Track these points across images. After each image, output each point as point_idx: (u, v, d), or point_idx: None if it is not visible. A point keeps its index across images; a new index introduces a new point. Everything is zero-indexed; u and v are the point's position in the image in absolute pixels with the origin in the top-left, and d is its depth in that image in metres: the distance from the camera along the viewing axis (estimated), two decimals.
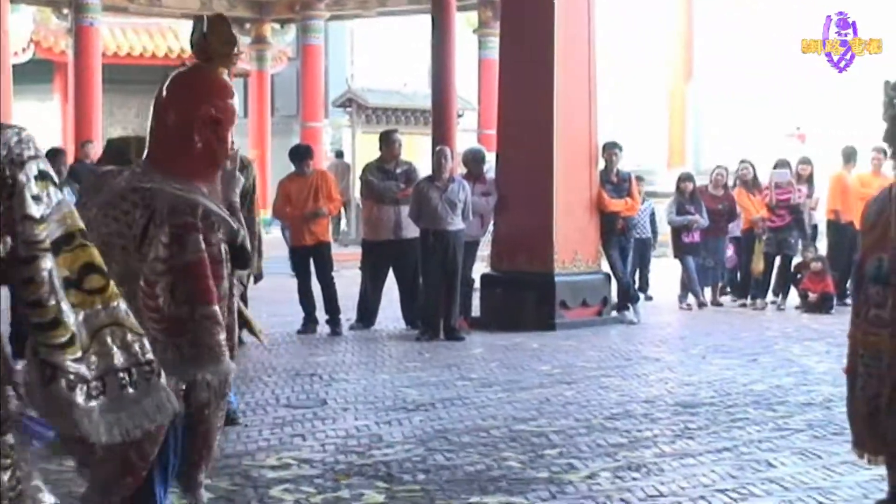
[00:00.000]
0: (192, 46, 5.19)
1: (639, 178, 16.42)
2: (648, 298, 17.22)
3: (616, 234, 15.18)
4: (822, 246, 17.52)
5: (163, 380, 3.48)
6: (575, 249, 14.61)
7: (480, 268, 15.45)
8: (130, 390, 3.36)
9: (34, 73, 28.40)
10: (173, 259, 4.83)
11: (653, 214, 17.48)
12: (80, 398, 3.23)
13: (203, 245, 4.88)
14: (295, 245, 14.39)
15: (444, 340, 13.39)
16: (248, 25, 28.39)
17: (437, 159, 13.95)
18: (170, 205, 4.89)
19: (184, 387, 4.98)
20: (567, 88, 14.56)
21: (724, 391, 10.20)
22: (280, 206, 14.26)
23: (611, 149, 15.35)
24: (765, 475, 7.26)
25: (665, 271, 18.65)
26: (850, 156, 17.15)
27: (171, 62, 28.36)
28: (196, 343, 4.82)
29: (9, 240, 3.19)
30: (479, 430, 8.60)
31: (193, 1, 26.89)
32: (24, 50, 28.22)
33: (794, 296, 16.65)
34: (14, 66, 25.54)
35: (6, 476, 3.33)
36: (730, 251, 17.60)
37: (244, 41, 28.35)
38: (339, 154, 28.91)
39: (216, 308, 4.86)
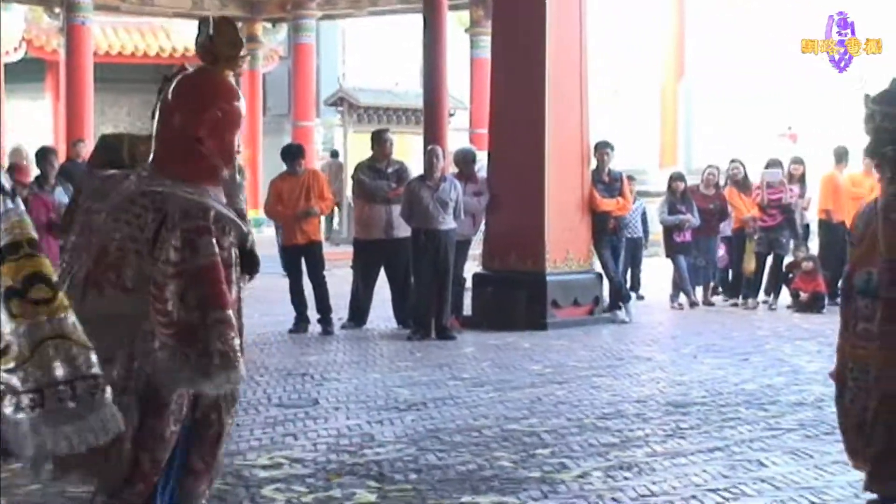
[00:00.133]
0: (197, 49, 5.15)
1: (630, 178, 16.43)
2: (640, 298, 17.23)
3: (608, 233, 15.19)
4: (814, 245, 17.55)
5: (108, 395, 3.41)
6: (566, 249, 14.61)
7: (472, 267, 15.44)
8: (71, 404, 3.28)
9: (26, 71, 28.38)
10: (185, 263, 4.80)
11: (644, 214, 17.49)
12: (7, 409, 3.15)
13: (216, 248, 4.86)
14: (286, 244, 14.39)
15: (435, 340, 13.39)
16: (239, 24, 28.35)
17: (429, 158, 13.96)
18: (182, 209, 4.87)
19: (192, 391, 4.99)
20: (559, 88, 14.57)
21: (716, 391, 10.21)
22: (272, 205, 14.25)
23: (602, 148, 15.36)
24: (756, 475, 7.27)
25: (656, 271, 18.66)
26: (841, 156, 17.16)
27: (163, 61, 28.39)
28: (207, 352, 4.76)
29: None
30: (471, 429, 8.60)
31: (185, 0, 26.86)
32: (15, 49, 28.19)
33: (785, 295, 16.66)
34: (6, 65, 25.56)
35: None
36: (721, 251, 17.61)
37: None
38: (335, 154, 28.90)
39: (230, 312, 4.81)
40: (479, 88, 23.93)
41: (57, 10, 24.92)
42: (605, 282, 15.13)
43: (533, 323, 14.07)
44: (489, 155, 15.27)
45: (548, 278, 14.33)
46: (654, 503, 6.65)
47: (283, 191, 13.96)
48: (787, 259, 16.85)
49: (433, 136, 18.84)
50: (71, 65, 23.91)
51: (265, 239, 18.88)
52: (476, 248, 15.57)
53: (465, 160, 15.01)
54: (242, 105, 5.14)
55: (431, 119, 19.89)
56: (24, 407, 3.16)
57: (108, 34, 28.76)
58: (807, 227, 17.69)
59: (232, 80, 5.19)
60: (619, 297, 15.25)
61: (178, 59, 27.61)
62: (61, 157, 17.09)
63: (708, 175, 17.51)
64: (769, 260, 16.76)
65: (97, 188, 5.15)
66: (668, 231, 16.94)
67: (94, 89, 24.15)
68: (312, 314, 14.05)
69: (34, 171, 13.28)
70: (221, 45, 5.08)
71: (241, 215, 5.21)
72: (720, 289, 17.83)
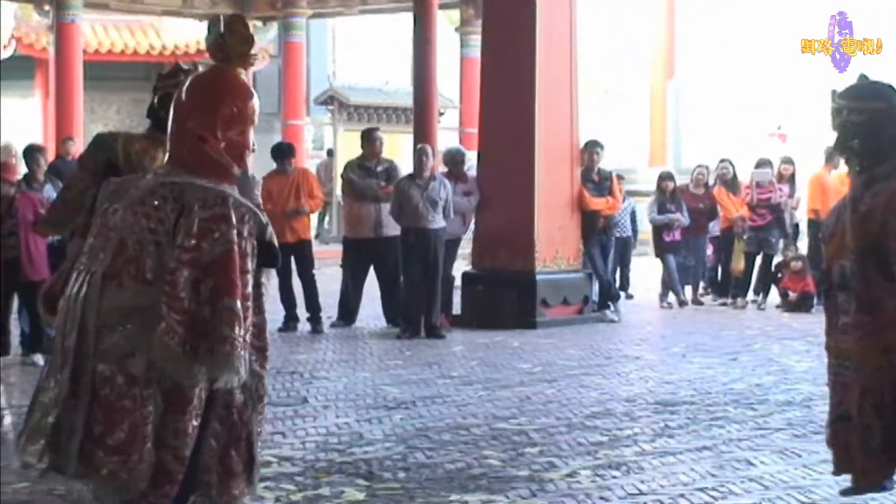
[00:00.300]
0: (209, 48, 5.17)
1: (620, 177, 16.45)
2: (629, 297, 17.25)
3: (597, 232, 15.20)
4: (803, 245, 17.57)
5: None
6: (556, 248, 14.63)
7: (461, 266, 15.45)
8: None
9: (15, 69, 28.27)
10: (200, 252, 4.82)
11: (634, 213, 17.50)
12: None
13: (234, 236, 4.86)
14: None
15: (424, 338, 13.39)
16: None
17: (419, 157, 13.96)
18: (200, 197, 4.89)
19: (213, 387, 4.98)
20: (548, 87, 14.58)
21: (705, 390, 10.22)
22: (261, 203, 14.21)
23: (592, 147, 15.36)
24: (744, 474, 7.28)
25: (646, 270, 18.68)
26: (830, 156, 17.15)
27: (153, 59, 28.33)
28: (215, 341, 4.79)
29: None
30: (460, 428, 8.60)
31: None
32: (4, 47, 28.09)
33: (774, 295, 16.68)
34: None
35: None
36: (708, 250, 17.64)
37: None
38: (331, 153, 28.85)
39: (238, 303, 4.83)
40: (468, 87, 23.89)
41: (46, 7, 24.82)
42: (595, 281, 15.14)
43: (522, 322, 14.08)
44: (479, 154, 15.28)
45: (537, 277, 14.34)
46: (643, 502, 6.66)
47: (272, 189, 13.93)
48: (777, 259, 16.88)
49: (423, 134, 18.86)
50: (60, 62, 23.83)
51: None
52: (466, 247, 15.57)
53: (454, 160, 15.00)
54: (256, 103, 5.16)
55: (421, 118, 19.91)
56: None
57: (97, 32, 28.66)
58: (796, 226, 17.71)
59: (245, 78, 5.21)
60: (609, 296, 15.26)
61: (168, 57, 27.60)
62: (50, 155, 17.06)
63: (697, 174, 17.55)
64: (758, 259, 16.79)
65: (114, 190, 5.16)
66: (658, 230, 16.95)
67: (84, 87, 24.07)
68: (302, 312, 14.04)
69: (23, 169, 13.24)
70: (233, 43, 5.09)
71: (259, 209, 5.22)
72: (709, 289, 17.85)
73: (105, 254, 4.95)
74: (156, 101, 7.15)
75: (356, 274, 14.41)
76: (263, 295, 5.22)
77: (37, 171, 12.48)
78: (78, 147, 19.25)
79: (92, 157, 7.25)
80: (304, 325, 14.01)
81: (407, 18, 22.77)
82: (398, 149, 22.62)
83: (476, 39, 20.60)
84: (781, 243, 16.80)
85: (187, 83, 5.20)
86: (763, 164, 17.42)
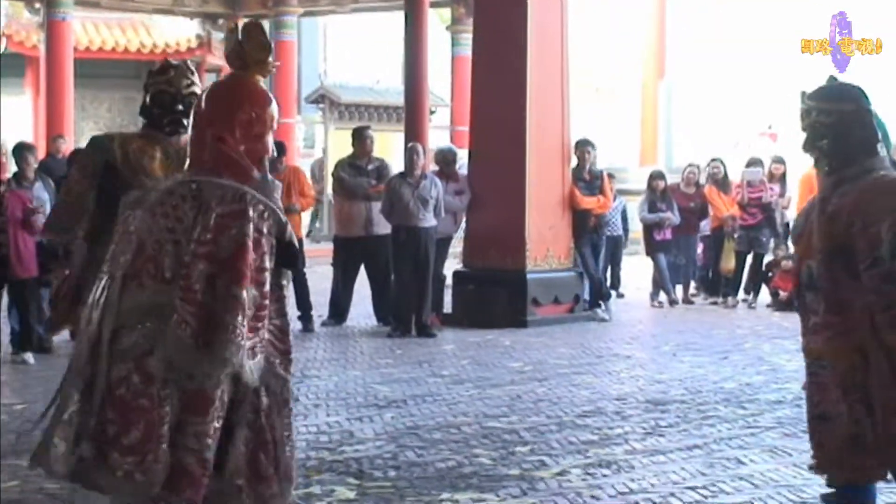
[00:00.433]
0: (227, 56, 5.22)
1: (611, 176, 16.45)
2: (620, 296, 17.26)
3: (588, 231, 15.21)
4: None
5: None
6: (547, 247, 14.63)
7: (452, 264, 15.45)
8: None
9: (5, 67, 28.16)
10: (216, 247, 4.85)
11: (624, 212, 17.50)
12: None
13: (250, 230, 4.88)
14: None
15: (415, 337, 13.39)
16: (220, 21, 28.29)
17: (409, 156, 13.95)
18: (218, 194, 4.92)
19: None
20: (540, 86, 14.58)
21: (695, 389, 10.23)
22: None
23: (583, 146, 15.37)
24: (735, 472, 7.28)
25: (637, 269, 18.69)
26: None
27: (144, 57, 28.29)
28: (214, 326, 4.81)
29: None
30: (451, 426, 8.60)
31: None
32: None
33: (765, 294, 16.70)
34: None
35: None
36: (699, 249, 17.65)
37: (216, 37, 28.28)
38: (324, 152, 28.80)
39: (244, 292, 4.83)
40: (460, 86, 23.87)
41: (37, 5, 24.80)
42: (586, 280, 15.14)
43: (513, 320, 14.08)
44: (470, 153, 15.27)
45: (528, 276, 14.35)
46: (633, 500, 6.66)
47: None
48: (767, 258, 16.89)
49: (414, 133, 18.86)
50: (51, 60, 23.81)
51: None
52: (457, 246, 15.57)
53: (445, 160, 14.99)
54: (275, 109, 5.20)
55: (412, 116, 19.91)
56: None
57: (88, 30, 28.62)
58: (787, 225, 17.67)
59: (263, 84, 5.24)
60: (600, 295, 15.26)
61: (159, 55, 27.53)
62: (41, 153, 17.04)
63: (688, 174, 17.57)
64: (749, 258, 16.81)
65: (135, 199, 5.18)
66: (649, 229, 16.96)
67: (75, 85, 24.04)
68: (292, 311, 14.02)
69: (13, 168, 13.23)
70: (252, 49, 5.13)
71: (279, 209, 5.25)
72: (700, 287, 17.85)
73: (125, 256, 4.98)
74: (148, 98, 7.15)
75: (347, 272, 14.41)
76: (285, 297, 5.22)
77: (26, 169, 12.47)
78: (68, 145, 19.27)
79: (90, 159, 7.24)
80: (294, 324, 13.96)
81: (398, 17, 22.78)
82: (389, 147, 22.62)
83: (467, 38, 20.62)
84: (772, 242, 16.82)
85: (206, 91, 5.26)
86: (754, 163, 17.44)
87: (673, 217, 16.74)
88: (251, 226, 4.89)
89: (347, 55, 34.77)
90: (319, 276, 15.44)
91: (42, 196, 12.24)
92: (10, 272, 11.40)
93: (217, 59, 28.49)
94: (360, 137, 14.52)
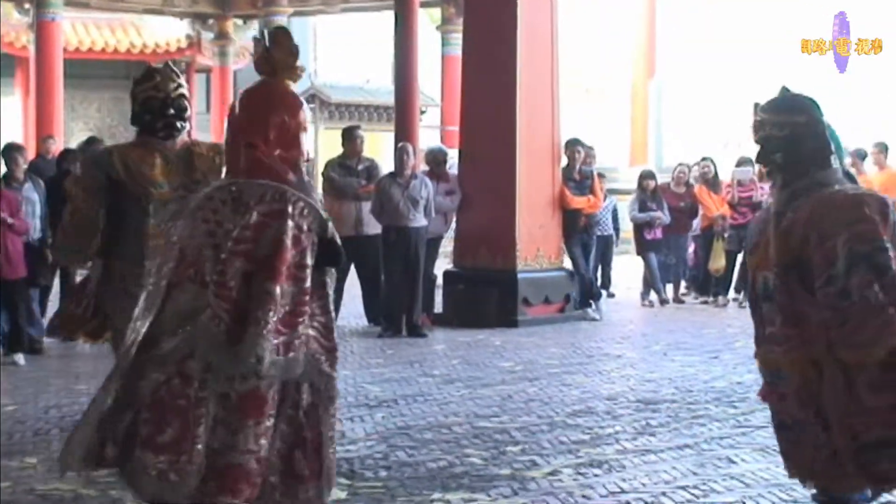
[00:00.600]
0: (256, 63, 5.28)
1: (601, 176, 16.46)
2: (611, 295, 17.26)
3: (578, 231, 15.21)
4: None
5: None
6: (537, 246, 14.63)
7: (443, 264, 15.44)
8: None
9: None
10: (255, 245, 4.88)
11: (615, 211, 17.51)
12: None
13: (288, 229, 4.90)
14: None
15: (406, 337, 13.39)
16: (210, 21, 28.27)
17: (400, 156, 13.94)
18: (258, 193, 4.96)
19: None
20: (530, 85, 14.58)
21: (686, 388, 10.24)
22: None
23: (573, 146, 15.37)
24: (726, 471, 7.28)
25: (627, 268, 18.70)
26: None
27: (134, 58, 28.26)
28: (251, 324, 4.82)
29: None
30: (442, 426, 8.60)
31: None
32: None
33: None
34: None
35: None
36: (690, 248, 17.65)
37: (206, 37, 28.27)
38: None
39: (277, 288, 4.85)
40: (450, 86, 23.88)
41: (27, 5, 24.76)
42: (576, 279, 15.14)
43: (504, 320, 14.08)
44: (460, 152, 15.27)
45: (519, 276, 14.34)
46: (624, 500, 6.66)
47: None
48: None
49: (404, 133, 18.86)
50: (41, 61, 23.77)
51: None
52: (447, 246, 15.56)
53: (436, 160, 14.98)
54: (307, 113, 5.27)
55: (402, 116, 19.91)
56: None
57: (78, 30, 28.59)
58: None
59: (294, 89, 5.27)
60: (590, 294, 15.26)
61: (149, 56, 27.52)
62: (30, 154, 16.99)
63: (679, 173, 17.58)
64: (739, 258, 16.80)
65: (174, 211, 5.24)
66: (639, 229, 16.97)
67: (65, 85, 24.00)
68: None
69: (2, 169, 13.19)
70: (280, 55, 5.19)
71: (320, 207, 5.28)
72: (690, 287, 17.85)
73: (169, 265, 5.00)
74: (137, 106, 7.16)
75: (337, 272, 14.36)
76: (329, 295, 5.23)
77: (15, 170, 12.42)
78: (58, 146, 19.20)
79: (91, 176, 7.23)
80: None
81: (388, 17, 22.77)
82: (379, 147, 22.59)
83: (457, 38, 20.61)
84: None
85: (239, 99, 5.31)
86: (744, 162, 17.44)
87: (663, 216, 16.76)
88: (291, 223, 4.91)
89: (337, 55, 34.77)
90: None
91: (32, 197, 12.21)
92: None
93: (207, 59, 28.50)
94: (349, 137, 14.51)
